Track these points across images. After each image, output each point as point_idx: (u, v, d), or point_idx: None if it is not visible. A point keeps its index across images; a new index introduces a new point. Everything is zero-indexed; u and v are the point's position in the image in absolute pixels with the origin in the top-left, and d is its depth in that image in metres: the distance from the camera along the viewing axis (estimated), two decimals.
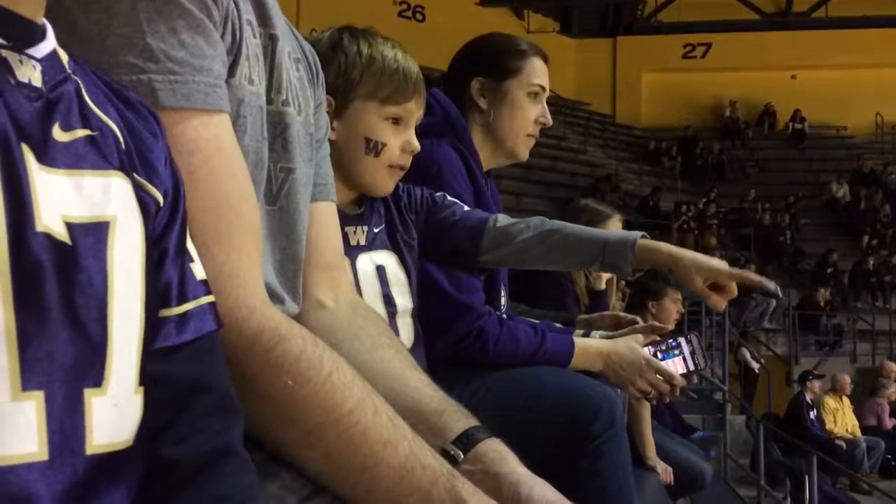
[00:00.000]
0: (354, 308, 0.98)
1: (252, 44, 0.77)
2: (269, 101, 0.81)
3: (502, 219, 1.51)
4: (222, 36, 0.72)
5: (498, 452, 0.85)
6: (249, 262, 0.70)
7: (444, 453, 0.82)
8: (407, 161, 1.24)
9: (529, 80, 1.75)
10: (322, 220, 0.94)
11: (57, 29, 0.65)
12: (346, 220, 1.21)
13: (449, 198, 1.48)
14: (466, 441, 0.86)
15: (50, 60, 0.51)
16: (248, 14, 0.78)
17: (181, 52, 0.68)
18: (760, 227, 13.97)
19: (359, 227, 1.26)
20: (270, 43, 0.82)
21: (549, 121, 1.78)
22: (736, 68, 17.04)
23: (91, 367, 0.48)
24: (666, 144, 16.29)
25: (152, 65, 0.66)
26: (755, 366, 10.03)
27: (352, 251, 1.22)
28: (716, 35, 17.30)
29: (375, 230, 1.29)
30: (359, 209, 1.29)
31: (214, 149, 0.69)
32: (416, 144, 1.23)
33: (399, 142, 1.22)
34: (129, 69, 0.65)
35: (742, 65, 17.00)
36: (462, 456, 0.84)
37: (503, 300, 1.75)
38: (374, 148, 1.21)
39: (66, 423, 0.46)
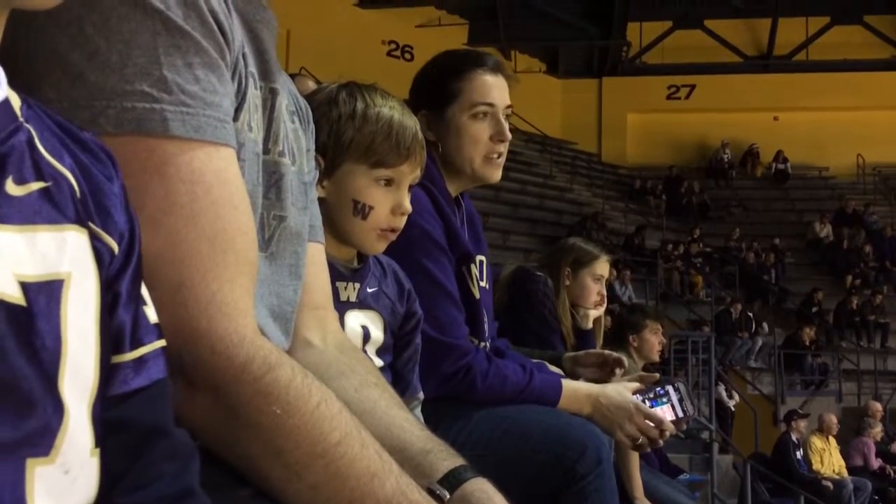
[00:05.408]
0: (342, 347, 0.99)
1: (253, 94, 0.79)
2: (266, 151, 0.83)
3: (417, 413, 1.37)
4: (231, 79, 0.74)
5: (484, 492, 0.85)
6: (242, 293, 0.70)
7: (431, 493, 0.82)
8: (399, 223, 1.21)
9: (471, 101, 1.64)
10: (310, 260, 0.94)
11: (76, 54, 0.65)
12: (339, 275, 1.20)
13: (418, 342, 1.37)
14: (453, 480, 0.86)
15: (2, 110, 0.50)
16: (252, 67, 0.80)
17: (195, 86, 0.69)
18: (745, 266, 14.05)
19: (350, 284, 1.24)
20: (271, 96, 0.84)
21: (507, 136, 1.66)
22: (719, 110, 17.26)
23: (40, 436, 0.47)
24: (651, 183, 16.43)
25: (166, 95, 0.68)
26: (730, 403, 9.99)
27: (341, 306, 1.19)
28: (699, 77, 17.55)
29: (369, 290, 1.27)
30: (357, 265, 1.26)
31: (218, 180, 0.70)
32: (408, 207, 1.20)
33: (389, 204, 1.19)
34: (142, 97, 0.67)
35: (725, 106, 17.22)
36: (448, 495, 0.84)
37: (486, 327, 1.72)
38: (362, 210, 1.18)
39: (6, 496, 0.45)
